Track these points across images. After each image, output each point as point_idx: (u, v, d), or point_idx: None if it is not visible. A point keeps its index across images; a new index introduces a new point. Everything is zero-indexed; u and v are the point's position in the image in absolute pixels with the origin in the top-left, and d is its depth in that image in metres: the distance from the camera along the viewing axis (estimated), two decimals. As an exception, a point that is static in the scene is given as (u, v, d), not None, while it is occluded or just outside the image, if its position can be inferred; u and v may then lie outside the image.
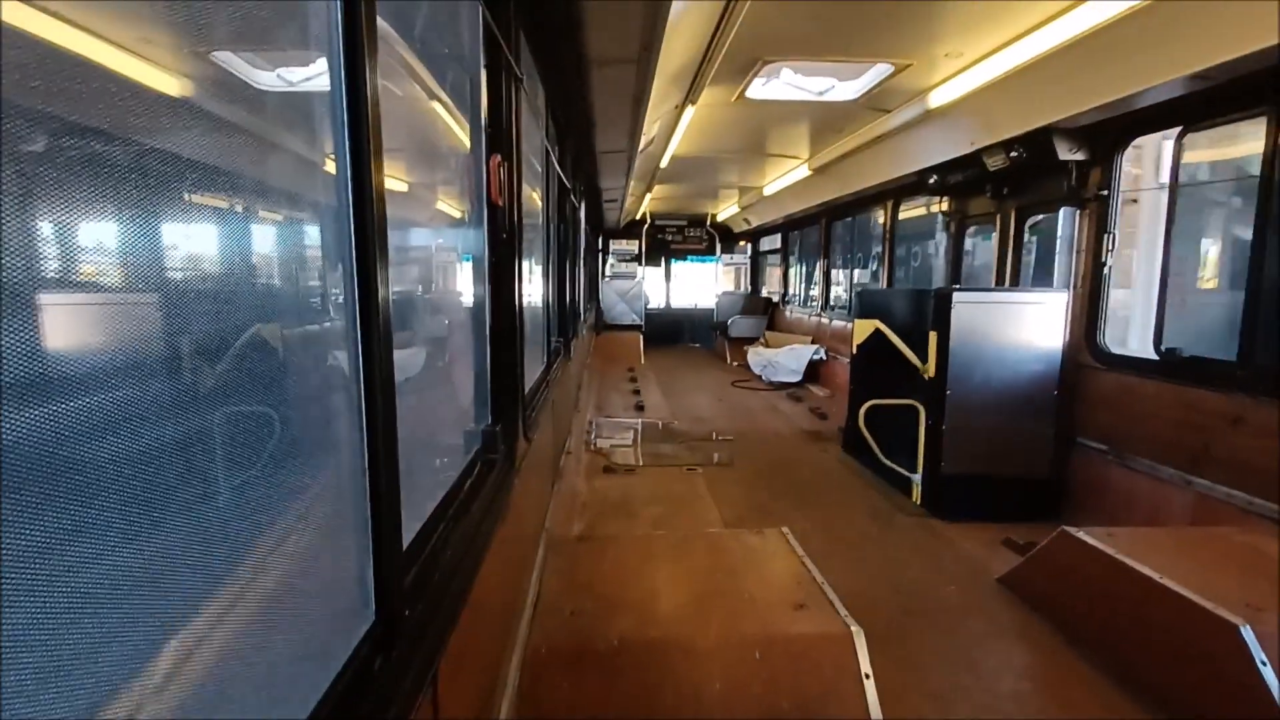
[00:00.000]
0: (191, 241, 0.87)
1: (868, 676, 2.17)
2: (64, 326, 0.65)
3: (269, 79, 1.03)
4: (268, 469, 0.98)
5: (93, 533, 0.66)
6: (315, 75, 1.03)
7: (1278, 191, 3.34)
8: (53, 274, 0.63)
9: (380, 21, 1.08)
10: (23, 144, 0.56)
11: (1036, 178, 5.08)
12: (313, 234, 1.13)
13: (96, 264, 0.69)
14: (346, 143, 0.99)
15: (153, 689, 0.72)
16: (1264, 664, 2.16)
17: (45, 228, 0.60)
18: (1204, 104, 3.64)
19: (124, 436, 0.71)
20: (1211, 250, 4.73)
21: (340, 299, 1.05)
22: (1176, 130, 3.94)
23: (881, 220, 8.18)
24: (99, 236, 0.70)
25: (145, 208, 0.75)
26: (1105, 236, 4.46)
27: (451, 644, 1.34)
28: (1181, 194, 4.06)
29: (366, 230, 1.01)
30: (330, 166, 1.03)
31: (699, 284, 15.68)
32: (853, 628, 2.26)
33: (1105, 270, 4.49)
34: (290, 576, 1.04)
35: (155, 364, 0.76)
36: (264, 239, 1.06)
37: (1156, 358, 4.06)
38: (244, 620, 0.92)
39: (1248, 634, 2.20)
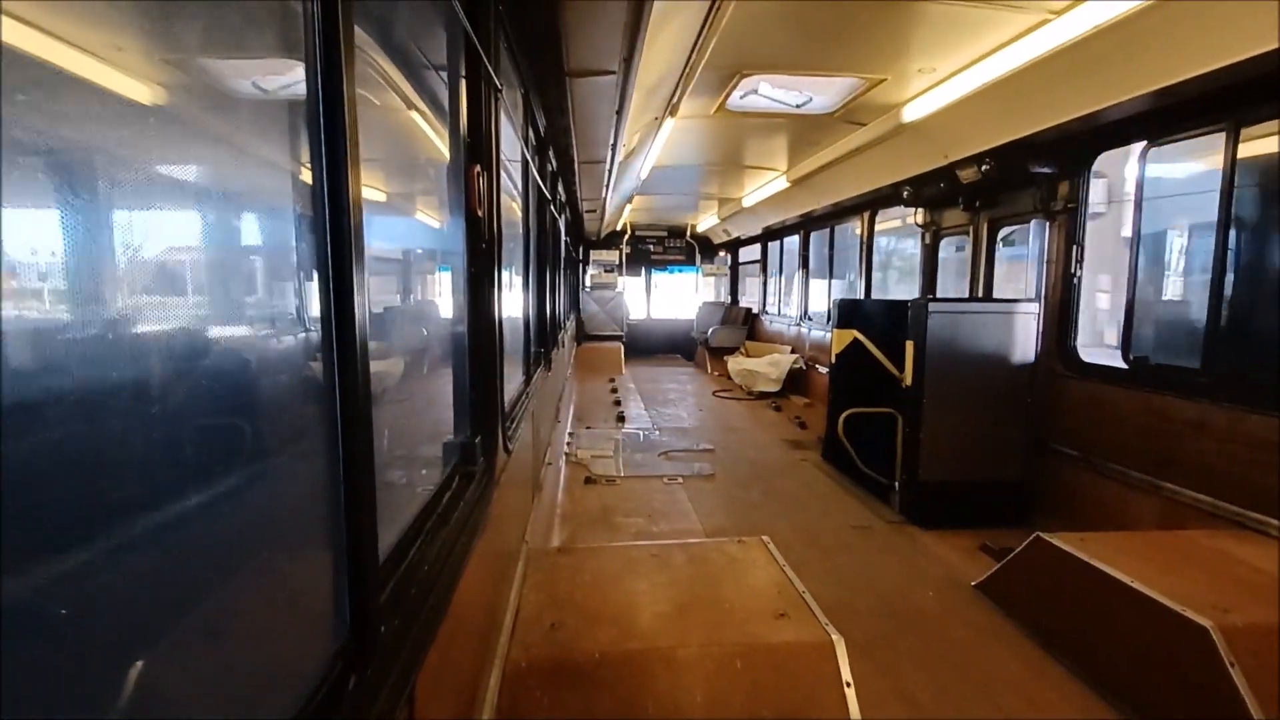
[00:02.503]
0: (160, 249, 0.85)
1: (849, 685, 2.18)
2: (28, 336, 0.64)
3: (244, 86, 1.02)
4: (238, 482, 0.96)
5: (49, 549, 0.63)
6: (291, 82, 1.02)
7: (1236, 204, 3.46)
8: (15, 283, 0.61)
9: (359, 30, 1.08)
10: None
11: (1008, 190, 5.20)
12: (287, 242, 1.12)
13: (61, 270, 0.67)
14: (323, 151, 0.98)
15: (114, 713, 0.70)
16: (1232, 665, 2.20)
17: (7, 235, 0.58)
18: (1167, 119, 3.76)
19: (83, 448, 0.69)
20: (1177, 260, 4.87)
21: (317, 308, 1.04)
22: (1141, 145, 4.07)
23: (858, 231, 8.30)
24: (66, 244, 0.68)
25: (116, 214, 0.73)
26: (1074, 248, 4.57)
27: (429, 660, 1.31)
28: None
29: (342, 238, 1.00)
30: (306, 175, 1.02)
31: (679, 294, 15.75)
32: (834, 636, 2.26)
33: (1075, 281, 4.60)
34: (261, 593, 1.02)
35: (118, 374, 0.74)
36: (235, 247, 1.05)
37: (1125, 366, 4.16)
38: (211, 638, 0.89)
39: (1216, 635, 2.25)
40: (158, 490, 0.80)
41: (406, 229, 2.31)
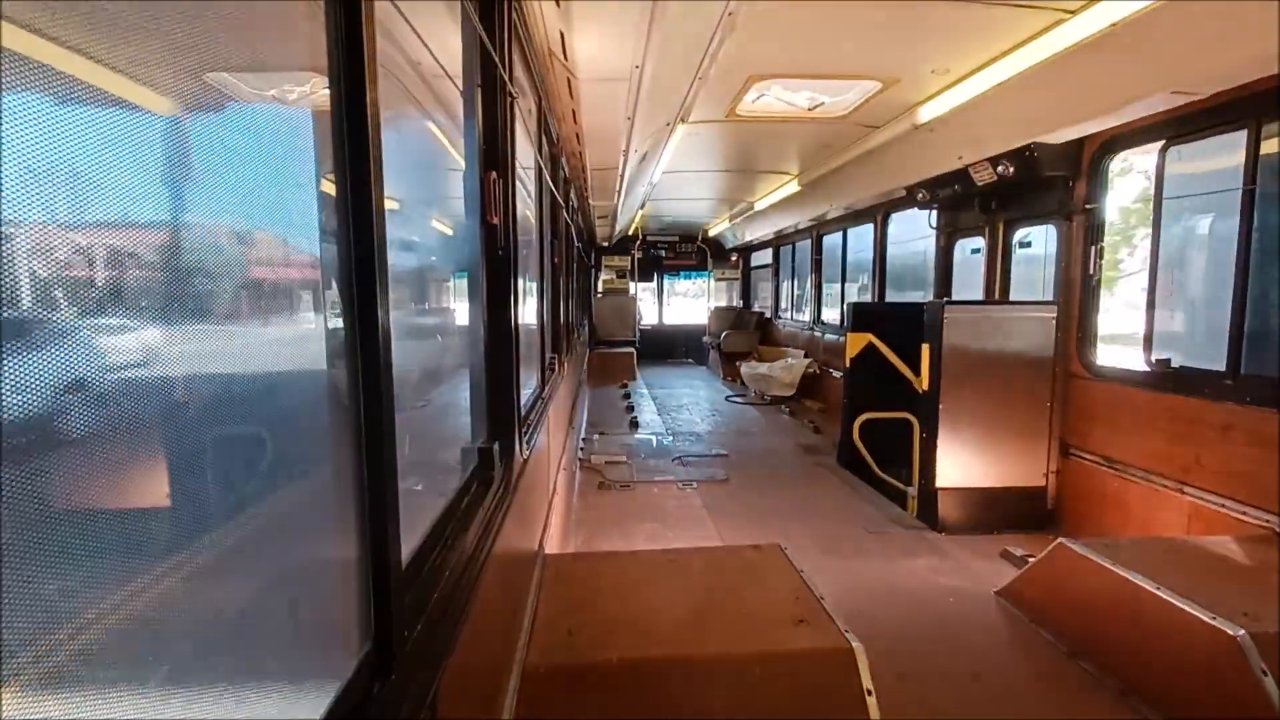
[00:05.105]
0: (182, 260, 0.86)
1: (870, 692, 2.15)
2: (49, 349, 0.64)
3: (266, 99, 1.03)
4: (261, 491, 0.97)
5: (73, 555, 0.64)
6: (314, 93, 1.03)
7: (1259, 203, 3.40)
8: (32, 295, 0.62)
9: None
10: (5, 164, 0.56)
11: (1024, 192, 5.15)
12: (310, 251, 1.13)
13: (83, 283, 0.68)
14: (346, 162, 0.99)
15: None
16: (1264, 673, 2.16)
17: (22, 250, 0.59)
18: (1186, 119, 3.71)
19: (109, 455, 0.70)
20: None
21: (340, 316, 1.05)
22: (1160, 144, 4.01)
23: (872, 234, 8.25)
24: (87, 257, 0.69)
25: (141, 228, 0.74)
26: (1092, 249, 4.52)
27: (450, 665, 1.31)
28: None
29: (365, 248, 1.01)
30: (329, 186, 1.03)
31: (692, 299, 15.74)
32: (853, 644, 2.24)
33: (1094, 283, 4.54)
34: (287, 600, 1.03)
35: (142, 383, 0.75)
36: (258, 257, 1.06)
37: (1147, 368, 4.10)
38: (236, 648, 0.90)
39: (1247, 643, 2.20)
40: (183, 498, 0.80)
41: (423, 237, 2.33)
